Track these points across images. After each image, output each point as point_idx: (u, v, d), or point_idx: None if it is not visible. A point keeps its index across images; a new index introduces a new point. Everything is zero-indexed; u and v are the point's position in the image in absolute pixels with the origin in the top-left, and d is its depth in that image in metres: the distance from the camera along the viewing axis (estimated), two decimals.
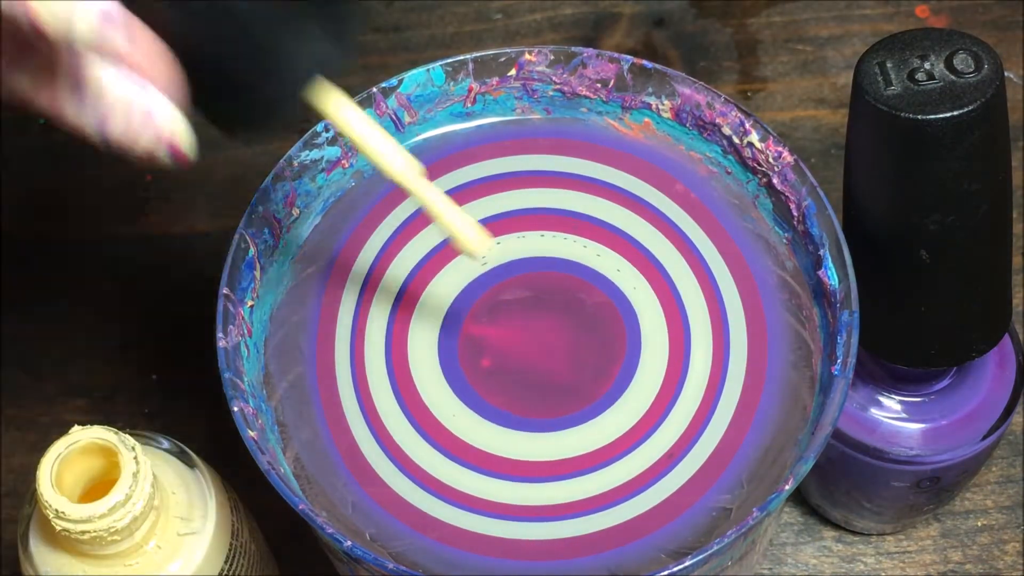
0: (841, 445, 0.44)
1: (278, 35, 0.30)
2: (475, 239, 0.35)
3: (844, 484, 0.46)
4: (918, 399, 0.44)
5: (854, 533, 0.49)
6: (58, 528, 0.36)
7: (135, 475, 0.36)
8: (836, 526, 0.50)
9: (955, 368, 0.44)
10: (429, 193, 0.34)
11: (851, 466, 0.45)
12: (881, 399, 0.44)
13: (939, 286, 0.39)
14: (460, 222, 0.35)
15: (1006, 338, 0.45)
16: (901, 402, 0.44)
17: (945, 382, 0.44)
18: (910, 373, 0.43)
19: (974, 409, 0.44)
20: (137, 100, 0.28)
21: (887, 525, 0.49)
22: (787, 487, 0.33)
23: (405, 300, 0.38)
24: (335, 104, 0.32)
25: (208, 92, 0.31)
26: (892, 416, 0.44)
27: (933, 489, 0.45)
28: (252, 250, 0.38)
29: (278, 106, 0.31)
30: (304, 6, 0.30)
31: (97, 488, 0.37)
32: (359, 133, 0.33)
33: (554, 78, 0.40)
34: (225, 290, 0.36)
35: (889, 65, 0.36)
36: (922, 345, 0.41)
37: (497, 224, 0.39)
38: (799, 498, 0.50)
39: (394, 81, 0.40)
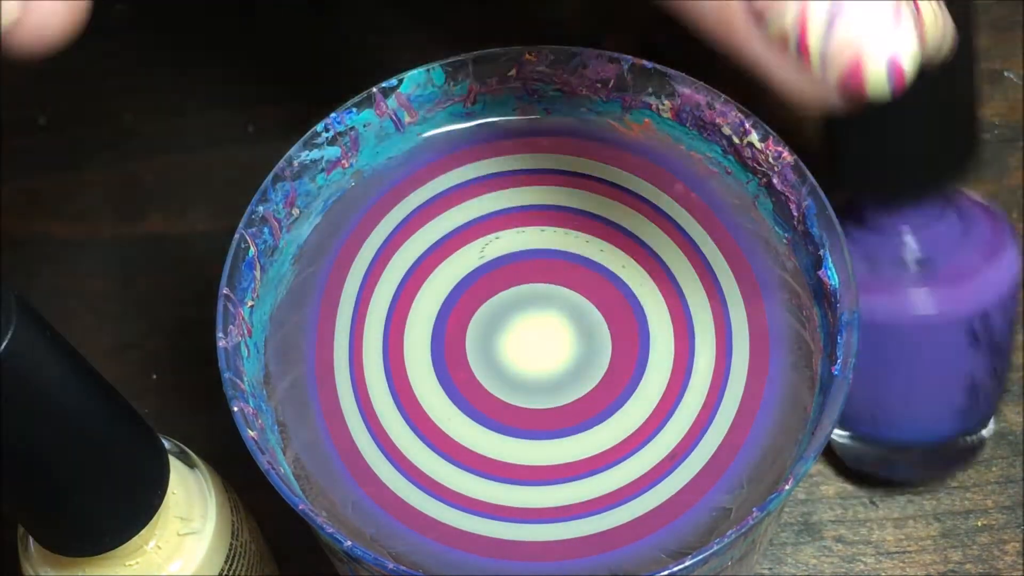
0: (888, 327, 0.44)
1: None
2: None
3: (896, 387, 0.45)
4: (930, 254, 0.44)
5: (854, 533, 0.49)
6: None
7: None
8: (836, 527, 0.50)
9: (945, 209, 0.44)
10: None
11: (901, 352, 0.44)
12: (903, 264, 0.44)
13: (906, 113, 0.39)
14: None
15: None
16: (919, 262, 0.44)
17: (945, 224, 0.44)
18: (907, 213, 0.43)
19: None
20: None
21: (937, 463, 0.48)
22: (787, 487, 0.33)
23: (402, 299, 0.38)
24: None
25: None
26: (917, 279, 0.44)
27: (988, 342, 0.45)
28: (252, 250, 0.38)
29: None
30: None
31: None
32: None
33: (554, 78, 0.40)
34: (225, 290, 0.36)
35: None
36: (895, 175, 0.40)
37: (496, 220, 0.39)
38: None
39: (394, 81, 0.40)
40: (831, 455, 0.49)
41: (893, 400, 0.46)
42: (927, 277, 0.44)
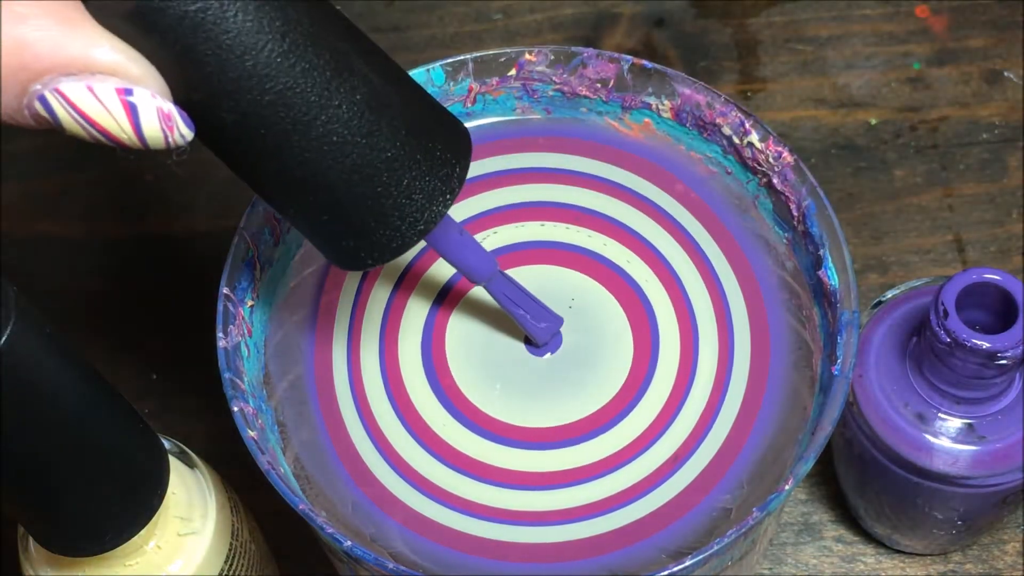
0: (947, 487, 0.43)
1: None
2: None
3: (954, 517, 0.45)
4: (989, 417, 0.43)
5: (854, 533, 0.49)
6: None
7: None
8: (836, 526, 0.50)
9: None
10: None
11: (951, 499, 0.44)
12: (961, 431, 0.43)
13: None
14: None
15: None
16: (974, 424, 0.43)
17: (1011, 396, 0.43)
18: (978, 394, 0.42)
19: None
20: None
21: (956, 544, 0.48)
22: (787, 487, 0.33)
23: (398, 297, 0.38)
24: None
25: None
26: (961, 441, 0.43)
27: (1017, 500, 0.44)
28: (252, 250, 0.38)
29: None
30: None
31: None
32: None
33: (554, 78, 0.40)
34: (225, 290, 0.36)
35: None
36: None
37: (495, 217, 0.39)
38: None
39: None
40: (831, 460, 0.49)
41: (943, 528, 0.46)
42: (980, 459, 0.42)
